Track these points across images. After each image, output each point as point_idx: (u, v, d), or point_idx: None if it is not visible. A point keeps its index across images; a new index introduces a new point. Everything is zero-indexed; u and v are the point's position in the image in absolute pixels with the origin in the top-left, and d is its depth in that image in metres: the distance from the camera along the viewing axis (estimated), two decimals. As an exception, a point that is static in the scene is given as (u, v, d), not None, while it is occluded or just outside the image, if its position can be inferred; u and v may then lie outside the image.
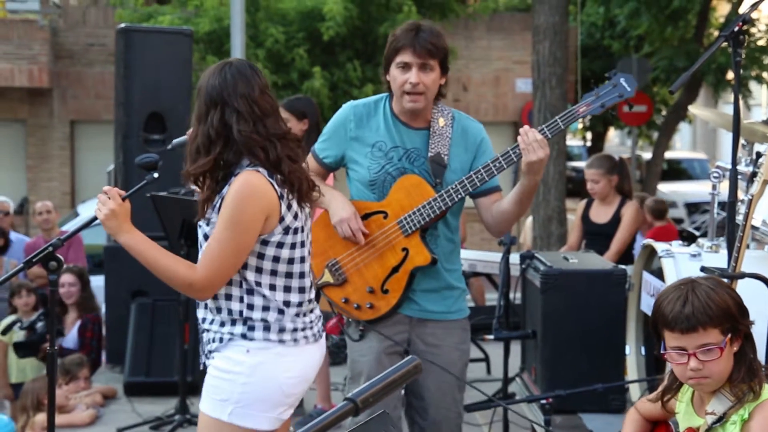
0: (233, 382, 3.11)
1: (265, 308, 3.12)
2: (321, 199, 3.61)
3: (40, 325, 6.79)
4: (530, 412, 4.89)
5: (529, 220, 9.27)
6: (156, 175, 3.23)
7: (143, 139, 7.14)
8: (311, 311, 3.25)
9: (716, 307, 2.62)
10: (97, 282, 8.03)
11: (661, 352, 2.70)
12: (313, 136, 5.83)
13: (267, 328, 3.11)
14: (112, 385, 6.84)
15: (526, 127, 3.69)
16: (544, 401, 4.50)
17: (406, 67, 3.70)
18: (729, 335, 2.63)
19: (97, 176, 15.50)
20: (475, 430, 5.75)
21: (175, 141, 3.76)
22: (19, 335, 7.07)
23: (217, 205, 3.09)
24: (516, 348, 5.50)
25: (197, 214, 3.16)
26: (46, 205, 8.95)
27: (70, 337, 7.25)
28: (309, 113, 5.95)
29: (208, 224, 3.13)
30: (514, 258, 5.59)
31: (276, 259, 3.12)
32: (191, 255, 4.28)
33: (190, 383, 6.18)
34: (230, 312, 3.13)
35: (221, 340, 3.14)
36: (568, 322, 4.77)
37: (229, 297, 3.13)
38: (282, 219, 3.10)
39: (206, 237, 3.13)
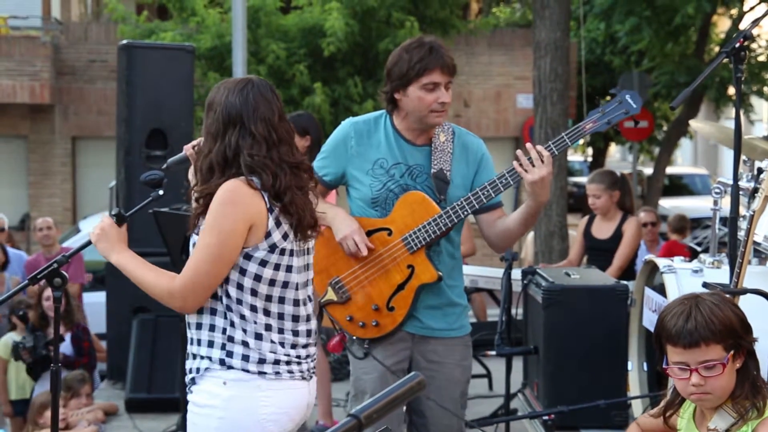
0: (209, 416, 2.95)
1: (244, 330, 2.95)
2: (323, 216, 3.58)
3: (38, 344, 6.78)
4: (532, 428, 4.88)
5: (531, 235, 9.29)
6: (161, 192, 3.22)
7: (145, 156, 7.15)
8: (304, 346, 3.05)
9: (719, 323, 2.61)
10: (99, 298, 8.03)
11: (663, 366, 2.70)
12: (315, 152, 5.80)
13: (246, 357, 2.94)
14: (113, 401, 6.83)
15: (529, 144, 3.71)
16: (546, 417, 4.50)
17: (435, 86, 3.70)
18: (732, 351, 2.63)
19: (98, 192, 15.52)
20: (478, 447, 5.73)
21: (171, 160, 3.54)
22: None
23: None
24: (518, 364, 5.50)
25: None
26: (46, 221, 8.96)
27: (64, 346, 7.24)
28: (311, 129, 5.96)
29: (198, 234, 3.00)
30: (516, 274, 5.59)
31: (258, 278, 2.95)
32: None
33: (192, 399, 6.17)
34: (212, 328, 2.96)
35: (198, 369, 2.98)
36: (570, 337, 4.77)
37: (213, 312, 2.98)
38: (268, 234, 2.95)
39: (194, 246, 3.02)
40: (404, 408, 3.87)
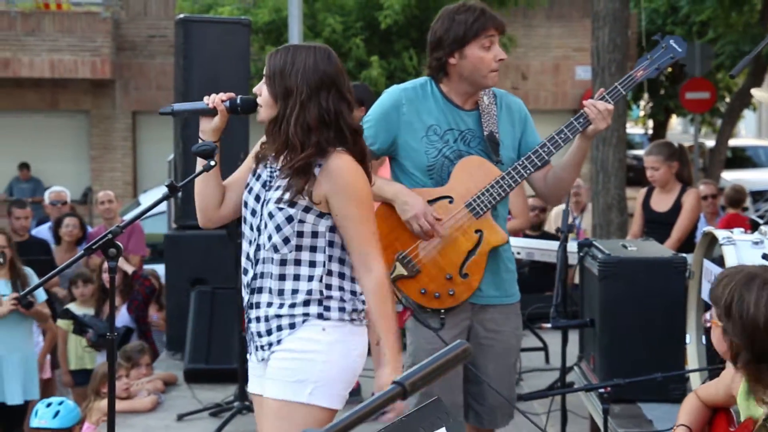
0: (312, 361, 3.06)
1: (341, 288, 3.12)
2: (379, 192, 3.61)
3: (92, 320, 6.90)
4: (589, 401, 4.85)
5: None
6: (213, 162, 3.22)
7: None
8: (361, 294, 3.23)
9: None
10: (158, 270, 8.14)
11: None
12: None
13: (342, 308, 3.11)
14: (172, 371, 6.93)
15: (590, 100, 3.77)
16: (602, 390, 4.45)
17: (491, 44, 3.71)
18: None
19: (158, 166, 15.68)
20: (534, 419, 5.71)
21: (181, 107, 3.39)
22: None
23: (311, 190, 3.05)
24: (574, 337, 5.46)
25: (291, 193, 3.07)
26: (107, 195, 9.08)
27: (120, 318, 7.35)
28: (366, 100, 5.94)
29: (292, 206, 3.06)
30: (572, 246, 5.54)
31: (333, 230, 3.13)
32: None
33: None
34: (309, 292, 3.09)
35: (292, 325, 3.08)
36: (627, 310, 4.72)
37: (297, 277, 3.09)
38: None
39: (290, 219, 3.07)
40: (461, 377, 3.86)
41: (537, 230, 8.44)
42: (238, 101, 3.23)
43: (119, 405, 5.14)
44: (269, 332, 3.11)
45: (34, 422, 5.23)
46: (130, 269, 7.53)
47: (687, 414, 2.95)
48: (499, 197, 3.73)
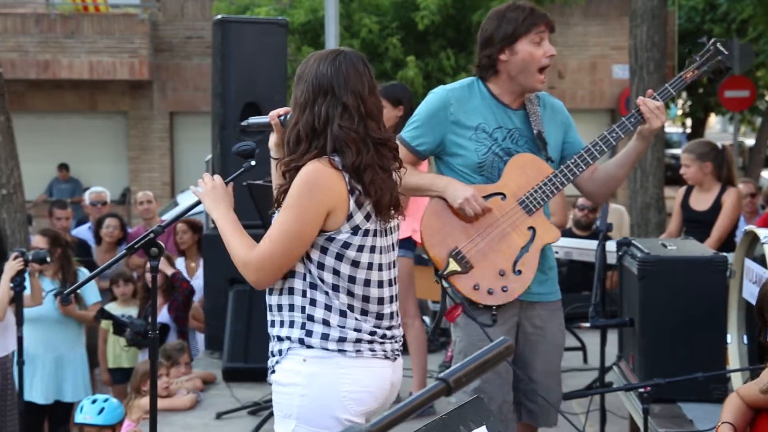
0: (291, 395, 2.93)
1: (327, 307, 2.91)
2: (429, 186, 3.67)
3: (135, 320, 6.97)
4: (628, 401, 4.83)
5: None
6: (253, 162, 3.22)
7: (239, 130, 7.22)
8: (388, 328, 3.00)
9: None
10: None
11: (767, 339, 2.64)
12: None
13: (326, 335, 2.90)
14: (211, 370, 6.96)
15: (641, 98, 3.82)
16: (642, 390, 4.42)
17: (542, 40, 3.76)
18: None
19: (195, 166, 15.80)
20: (572, 419, 5.69)
21: (253, 121, 3.33)
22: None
23: None
24: (612, 337, 5.43)
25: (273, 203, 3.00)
26: (146, 195, 9.14)
27: (161, 318, 7.41)
28: (404, 100, 5.96)
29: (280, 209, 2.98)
30: (610, 245, 5.51)
31: (339, 258, 2.90)
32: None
33: (287, 369, 6.25)
34: (291, 308, 2.93)
35: (280, 351, 2.96)
36: (666, 309, 4.69)
37: (291, 291, 2.94)
38: (350, 216, 2.89)
39: None
40: (512, 375, 3.86)
41: (587, 230, 8.34)
42: (289, 116, 3.20)
43: (159, 403, 5.17)
44: (272, 354, 3.03)
45: (79, 417, 5.29)
46: (170, 271, 7.59)
47: (730, 413, 2.93)
48: (551, 194, 3.79)
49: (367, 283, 2.93)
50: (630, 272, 4.98)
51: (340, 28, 10.59)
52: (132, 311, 7.38)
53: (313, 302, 2.91)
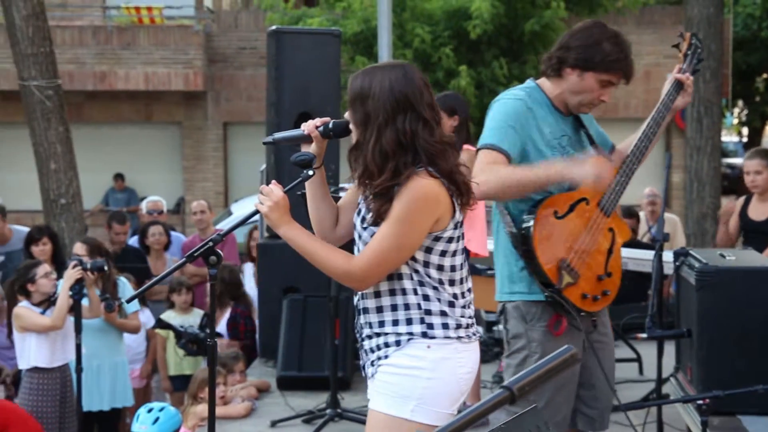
0: (416, 378, 3.07)
1: (439, 300, 3.10)
2: (536, 177, 3.61)
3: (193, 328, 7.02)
4: (686, 414, 4.77)
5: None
6: (311, 172, 3.23)
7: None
8: (469, 307, 3.21)
9: None
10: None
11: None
12: (462, 132, 5.84)
13: (446, 325, 3.10)
14: (265, 378, 7.01)
15: (674, 73, 4.02)
16: (700, 402, 4.37)
17: (609, 85, 3.77)
18: None
19: (249, 176, 15.91)
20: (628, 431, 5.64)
21: (280, 136, 3.37)
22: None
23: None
24: (669, 348, 5.37)
25: (371, 216, 3.09)
26: (201, 205, 9.23)
27: (219, 327, 7.47)
28: (459, 109, 5.96)
29: (376, 226, 3.09)
30: (667, 255, 5.46)
31: (443, 254, 3.10)
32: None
33: (341, 378, 6.27)
34: (407, 307, 3.10)
35: (398, 343, 3.10)
36: (725, 320, 4.63)
37: (403, 291, 3.11)
38: (453, 216, 3.11)
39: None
40: (576, 385, 3.85)
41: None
42: (330, 126, 3.20)
43: (216, 411, 5.22)
44: (378, 347, 3.15)
45: (135, 426, 5.34)
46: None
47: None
48: (621, 193, 3.82)
49: (453, 268, 3.14)
50: (687, 282, 4.92)
51: (393, 38, 10.61)
52: (190, 320, 7.45)
53: (426, 297, 3.10)
